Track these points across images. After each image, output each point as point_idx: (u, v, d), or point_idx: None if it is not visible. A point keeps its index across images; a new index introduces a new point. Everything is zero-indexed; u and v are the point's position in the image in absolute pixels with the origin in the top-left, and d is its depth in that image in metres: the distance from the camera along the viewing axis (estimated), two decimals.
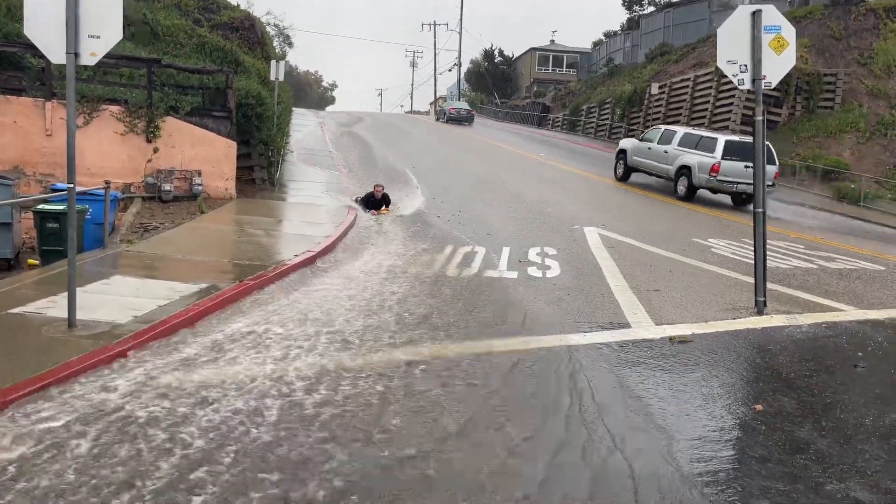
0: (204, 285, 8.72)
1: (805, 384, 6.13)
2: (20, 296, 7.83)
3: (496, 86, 64.78)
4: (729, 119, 28.93)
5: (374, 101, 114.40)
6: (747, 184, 17.24)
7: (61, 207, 9.88)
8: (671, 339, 7.30)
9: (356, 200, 16.42)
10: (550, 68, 61.23)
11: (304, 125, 33.29)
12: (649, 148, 20.65)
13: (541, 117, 49.81)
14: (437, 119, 48.49)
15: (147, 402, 5.10)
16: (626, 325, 7.86)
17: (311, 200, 16.95)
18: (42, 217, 10.11)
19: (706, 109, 30.71)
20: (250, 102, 16.87)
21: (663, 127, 22.53)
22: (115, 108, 14.86)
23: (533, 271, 10.63)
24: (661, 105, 34.23)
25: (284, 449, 4.48)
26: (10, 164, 13.64)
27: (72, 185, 6.64)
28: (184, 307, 7.71)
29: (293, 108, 36.88)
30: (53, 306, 7.30)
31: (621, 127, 37.35)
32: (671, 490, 4.20)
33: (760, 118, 8.41)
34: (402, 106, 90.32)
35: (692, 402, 5.64)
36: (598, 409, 5.36)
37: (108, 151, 14.70)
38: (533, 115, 51.11)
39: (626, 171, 21.76)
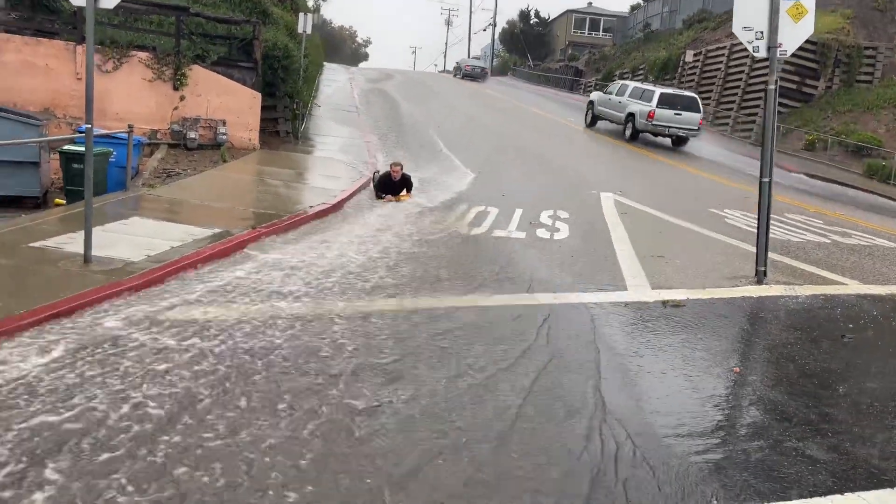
0: (218, 230, 9.03)
1: (787, 352, 6.25)
2: (42, 231, 8.21)
3: (530, 48, 63.79)
4: (763, 90, 28.31)
5: (408, 59, 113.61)
6: (677, 127, 22.20)
7: (84, 148, 10.22)
8: (664, 302, 7.44)
9: (373, 178, 13.59)
10: (586, 31, 60.05)
11: (334, 80, 33.31)
12: (609, 99, 24.82)
13: (573, 81, 49.11)
14: (455, 75, 51.23)
15: (149, 332, 5.43)
16: (623, 288, 8.00)
17: (333, 155, 17.15)
18: (67, 157, 10.46)
19: (740, 79, 30.07)
20: (276, 54, 17.00)
21: (620, 82, 26.82)
22: (143, 55, 15.12)
23: (541, 233, 10.77)
24: (694, 73, 33.57)
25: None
26: (40, 106, 14.03)
27: (89, 126, 6.91)
28: (195, 249, 8.03)
29: (325, 63, 36.90)
30: (72, 242, 7.65)
31: None
32: (633, 440, 4.39)
33: (773, 87, 8.35)
34: (435, 65, 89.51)
35: (671, 361, 5.81)
36: (575, 364, 5.56)
37: (137, 97, 15.01)
38: (565, 78, 50.41)
39: (592, 118, 25.96)
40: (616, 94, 24.32)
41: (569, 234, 10.83)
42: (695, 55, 33.66)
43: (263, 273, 7.36)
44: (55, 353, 4.90)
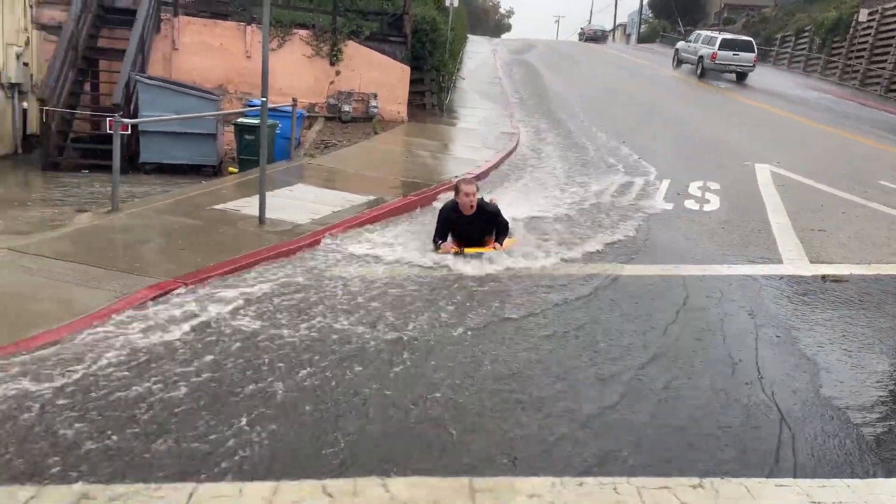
0: (372, 197, 9.64)
1: None
2: (221, 195, 9.16)
3: (682, 12, 60.48)
4: None
5: (552, 29, 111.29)
6: (736, 65, 28.08)
7: (256, 121, 11.17)
8: (823, 277, 7.10)
9: (439, 214, 7.48)
10: None
11: (476, 52, 33.58)
12: (688, 46, 31.49)
13: None
14: (579, 39, 60.83)
15: (316, 282, 6.04)
16: (778, 261, 7.71)
17: (477, 127, 17.47)
18: (240, 129, 11.49)
19: None
20: (424, 28, 17.49)
21: (696, 32, 33.58)
22: (304, 33, 16.11)
23: (690, 204, 10.51)
24: (868, 35, 30.52)
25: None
26: (216, 83, 15.36)
27: (265, 100, 7.61)
28: (354, 214, 8.66)
29: (468, 36, 37.23)
30: (247, 206, 8.48)
31: (819, 59, 33.87)
32: (786, 411, 4.34)
33: None
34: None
35: (829, 336, 5.60)
36: (726, 335, 5.51)
37: (297, 73, 16.04)
38: None
39: (678, 62, 32.59)
40: (693, 42, 31.13)
41: (719, 205, 10.49)
42: (870, 14, 30.59)
43: (418, 236, 7.80)
44: (254, 296, 5.60)
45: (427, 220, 8.71)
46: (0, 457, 3.29)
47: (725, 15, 54.11)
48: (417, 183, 10.85)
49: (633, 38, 64.34)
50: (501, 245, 7.17)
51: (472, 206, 7.08)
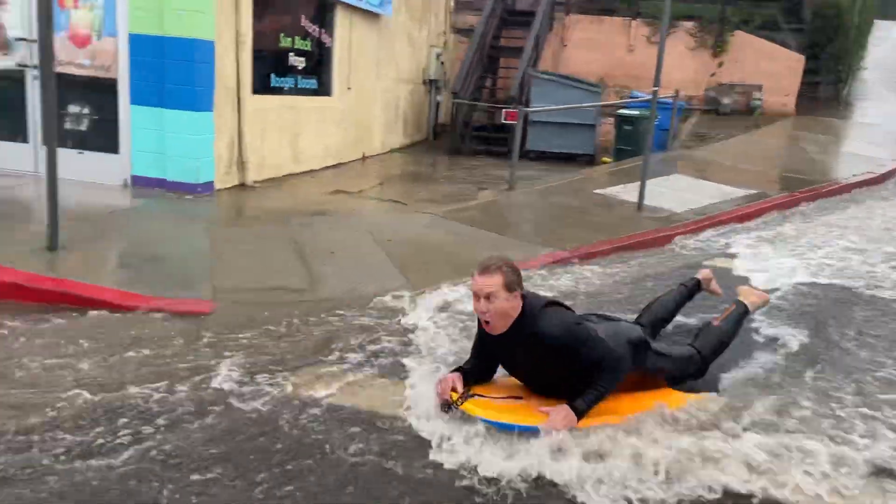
0: (752, 191, 9.32)
1: None
2: (600, 182, 9.75)
3: None
4: None
5: None
6: None
7: (636, 112, 11.53)
8: None
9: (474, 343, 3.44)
10: None
11: (885, 39, 29.08)
12: None
13: None
14: None
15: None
16: None
17: (880, 122, 15.40)
18: (621, 120, 11.96)
19: None
20: (827, 13, 15.93)
21: None
22: (688, 25, 15.95)
23: None
24: None
25: None
26: (596, 76, 16.09)
27: (656, 89, 7.89)
28: (732, 207, 8.50)
29: (874, 21, 32.43)
30: (624, 192, 8.91)
31: None
32: None
33: None
34: None
35: None
36: None
37: (678, 65, 15.93)
38: None
39: None
40: None
41: None
42: None
43: (808, 234, 7.39)
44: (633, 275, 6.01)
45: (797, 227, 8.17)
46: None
47: None
48: (803, 179, 10.14)
49: None
50: (577, 412, 3.04)
51: (487, 321, 3.17)
